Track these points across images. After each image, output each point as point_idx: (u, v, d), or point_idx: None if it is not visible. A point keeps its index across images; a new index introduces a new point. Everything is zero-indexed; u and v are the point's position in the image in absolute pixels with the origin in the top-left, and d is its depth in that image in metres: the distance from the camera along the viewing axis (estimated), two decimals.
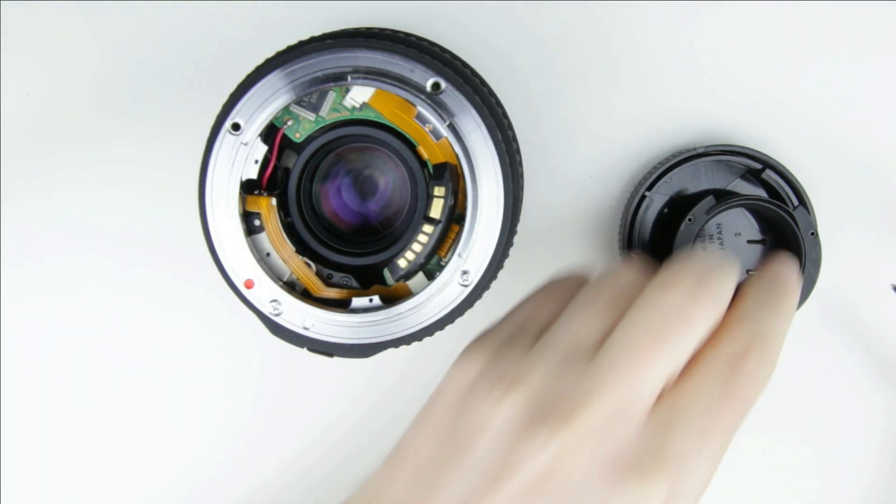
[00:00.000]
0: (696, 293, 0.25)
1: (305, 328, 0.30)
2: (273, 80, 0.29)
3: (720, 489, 0.43)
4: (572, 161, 0.42)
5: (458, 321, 0.31)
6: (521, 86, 0.42)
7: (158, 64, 0.41)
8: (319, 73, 0.29)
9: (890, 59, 0.42)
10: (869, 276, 0.42)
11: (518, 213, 0.32)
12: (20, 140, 0.42)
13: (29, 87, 0.42)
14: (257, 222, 0.31)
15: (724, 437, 0.24)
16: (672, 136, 0.42)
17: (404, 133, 0.30)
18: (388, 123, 0.30)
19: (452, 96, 0.28)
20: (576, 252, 0.43)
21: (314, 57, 0.28)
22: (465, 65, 0.33)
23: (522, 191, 0.33)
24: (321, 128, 0.31)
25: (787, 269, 0.29)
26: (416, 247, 0.30)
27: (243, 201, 0.30)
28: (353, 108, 0.31)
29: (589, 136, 0.42)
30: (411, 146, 0.31)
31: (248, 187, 0.30)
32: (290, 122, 0.31)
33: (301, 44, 0.30)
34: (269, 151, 0.30)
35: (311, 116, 0.31)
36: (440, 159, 0.30)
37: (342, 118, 0.31)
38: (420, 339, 0.30)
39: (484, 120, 0.28)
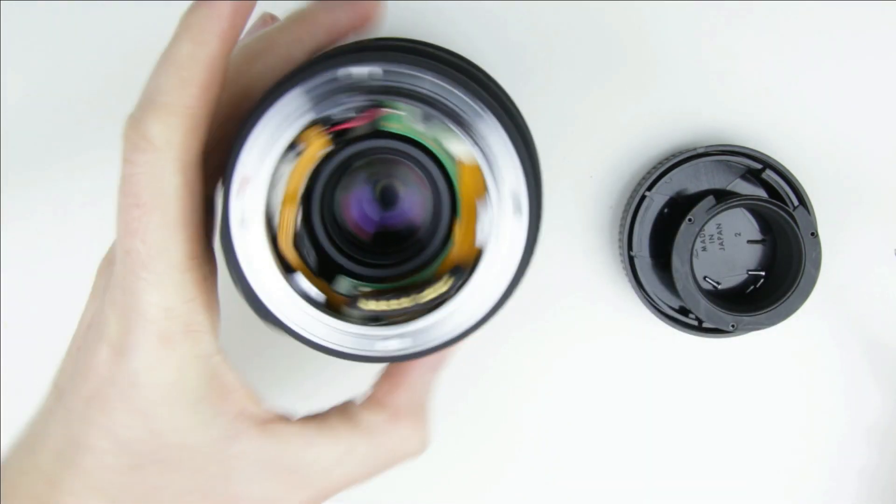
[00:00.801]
0: None
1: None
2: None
3: (720, 489, 0.43)
4: (572, 161, 0.42)
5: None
6: (521, 86, 0.41)
7: None
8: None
9: (890, 59, 0.42)
10: (869, 276, 0.42)
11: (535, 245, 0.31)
12: (20, 140, 0.42)
13: (29, 87, 0.42)
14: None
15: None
16: (672, 136, 0.42)
17: (438, 155, 0.30)
18: (422, 142, 0.30)
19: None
20: (576, 252, 0.43)
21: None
22: (498, 87, 0.32)
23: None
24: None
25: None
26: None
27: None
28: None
29: (589, 136, 0.42)
30: (442, 167, 0.30)
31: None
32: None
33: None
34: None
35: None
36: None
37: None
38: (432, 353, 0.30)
39: (521, 159, 0.28)
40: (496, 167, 0.28)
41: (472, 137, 0.28)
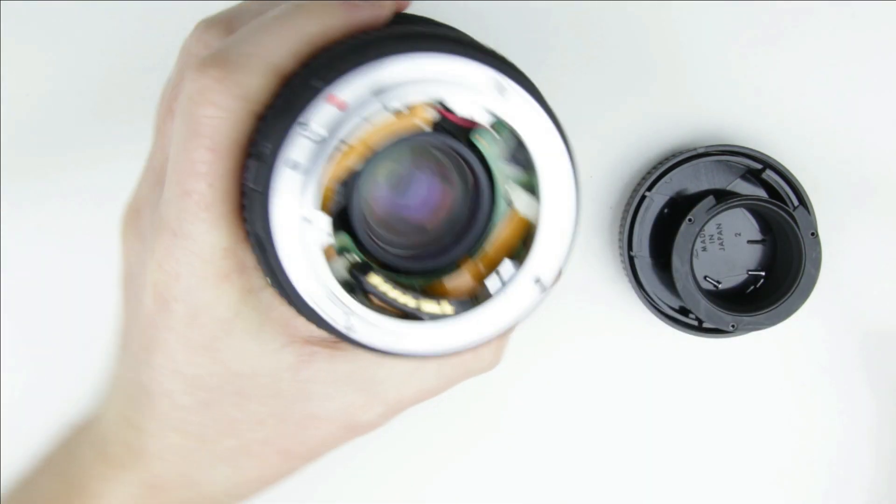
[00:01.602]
0: None
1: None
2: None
3: (720, 489, 0.43)
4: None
5: None
6: None
7: (159, 65, 0.41)
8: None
9: (890, 59, 0.42)
10: (869, 276, 0.42)
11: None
12: (20, 140, 0.42)
13: (29, 87, 0.42)
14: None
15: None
16: (672, 136, 0.42)
17: (498, 191, 0.30)
18: (494, 173, 0.29)
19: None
20: (576, 252, 0.42)
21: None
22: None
23: None
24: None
25: None
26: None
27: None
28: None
29: (589, 136, 0.42)
30: (493, 202, 0.30)
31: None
32: None
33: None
34: None
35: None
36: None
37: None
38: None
39: (574, 170, 0.28)
40: (543, 240, 0.28)
41: (541, 201, 0.27)
